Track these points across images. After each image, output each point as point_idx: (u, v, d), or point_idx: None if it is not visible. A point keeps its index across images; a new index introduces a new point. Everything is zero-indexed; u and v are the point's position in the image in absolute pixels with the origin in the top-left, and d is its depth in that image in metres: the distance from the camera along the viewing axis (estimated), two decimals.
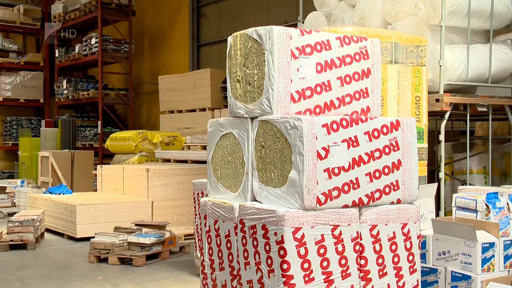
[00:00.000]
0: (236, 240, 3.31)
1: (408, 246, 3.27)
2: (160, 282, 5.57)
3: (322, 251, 2.98)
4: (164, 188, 8.43)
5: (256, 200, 3.37)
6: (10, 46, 16.57)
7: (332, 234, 3.03)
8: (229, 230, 3.39)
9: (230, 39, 3.64)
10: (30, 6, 16.12)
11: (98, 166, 10.18)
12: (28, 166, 14.00)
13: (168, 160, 10.09)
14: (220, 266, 3.45)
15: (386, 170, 3.25)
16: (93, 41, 13.43)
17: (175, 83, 11.58)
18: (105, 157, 12.83)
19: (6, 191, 11.27)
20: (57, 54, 15.07)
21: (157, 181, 8.40)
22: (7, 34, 17.28)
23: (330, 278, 3.00)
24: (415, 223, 3.31)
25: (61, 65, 15.01)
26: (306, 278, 2.93)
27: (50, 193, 9.46)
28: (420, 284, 3.33)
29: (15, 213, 8.94)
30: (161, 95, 11.98)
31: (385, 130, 3.27)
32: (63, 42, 15.74)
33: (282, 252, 2.91)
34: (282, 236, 2.92)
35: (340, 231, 3.05)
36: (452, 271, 3.91)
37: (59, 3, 14.76)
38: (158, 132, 10.86)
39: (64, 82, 14.64)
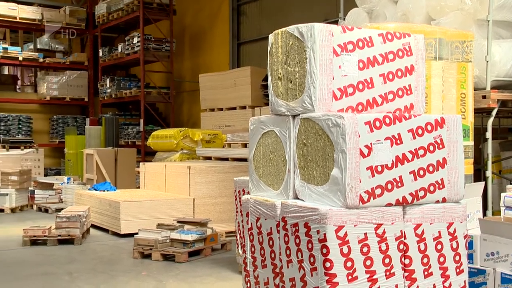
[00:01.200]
0: (278, 237, 3.32)
1: (455, 246, 3.20)
2: (202, 279, 5.63)
3: (365, 249, 2.95)
4: (206, 186, 8.51)
5: (298, 198, 3.36)
6: (56, 46, 17.04)
7: (376, 233, 3.00)
8: (271, 228, 3.40)
9: (271, 37, 3.64)
10: (76, 7, 16.52)
11: (141, 163, 10.35)
12: (74, 163, 14.36)
13: (209, 158, 10.18)
14: (262, 264, 3.46)
15: (431, 168, 3.19)
16: (135, 40, 13.66)
17: (216, 81, 11.66)
18: (147, 154, 13.03)
19: (54, 187, 11.60)
20: (100, 54, 15.40)
21: (198, 178, 8.48)
22: (54, 35, 17.75)
23: (374, 277, 2.97)
24: (461, 222, 3.25)
25: (105, 64, 15.33)
26: (349, 277, 2.91)
27: (95, 189, 9.69)
28: (467, 285, 3.26)
29: (62, 209, 9.19)
30: (202, 93, 12.09)
31: (429, 127, 3.21)
32: (106, 42, 16.07)
33: (324, 250, 2.90)
34: (324, 234, 2.91)
35: (384, 229, 3.02)
36: (501, 273, 3.81)
37: (103, 4, 15.07)
38: (199, 130, 10.96)
39: (108, 81, 14.95)
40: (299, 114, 3.36)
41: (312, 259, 2.98)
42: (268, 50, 3.66)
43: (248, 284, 3.61)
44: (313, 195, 3.21)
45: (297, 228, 3.14)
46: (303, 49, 3.30)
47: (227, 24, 13.16)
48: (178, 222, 7.15)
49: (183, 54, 14.70)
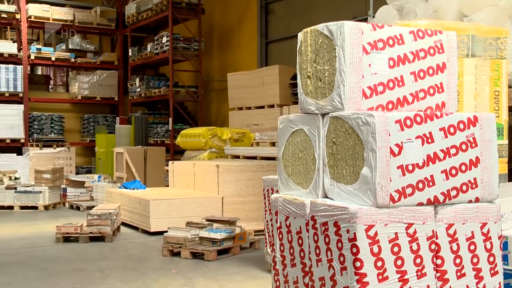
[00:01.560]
0: (308, 236, 3.31)
1: (488, 246, 3.15)
2: (231, 277, 5.65)
3: (396, 249, 2.92)
4: (234, 184, 8.54)
5: (327, 197, 3.35)
6: (87, 46, 17.30)
7: (407, 233, 2.96)
8: (300, 227, 3.39)
9: (300, 35, 3.63)
10: (106, 8, 16.75)
11: (170, 162, 10.44)
12: (104, 162, 14.57)
13: (237, 157, 10.21)
14: (292, 263, 3.45)
15: (463, 168, 3.14)
16: (164, 39, 13.78)
17: (244, 80, 11.68)
18: (176, 153, 13.13)
19: (85, 185, 11.79)
20: (130, 53, 15.58)
21: (227, 177, 8.52)
22: (85, 35, 18.04)
23: (405, 277, 2.94)
24: (495, 222, 3.18)
25: (134, 64, 15.50)
26: (380, 277, 2.88)
27: (125, 188, 9.81)
28: (502, 287, 3.20)
29: (93, 206, 9.34)
30: (230, 92, 12.13)
31: (461, 126, 3.16)
32: (136, 42, 16.25)
33: (354, 250, 2.88)
34: (354, 233, 2.89)
35: (415, 229, 2.98)
36: None
37: (132, 4, 15.24)
38: (227, 129, 11.00)
39: (137, 80, 15.11)
40: (328, 113, 3.34)
41: (342, 258, 2.97)
42: (297, 49, 3.65)
43: (277, 283, 3.61)
44: (342, 194, 3.19)
45: (326, 227, 3.13)
46: (332, 47, 3.28)
47: (255, 23, 13.16)
48: (207, 220, 7.19)
49: (211, 53, 14.77)
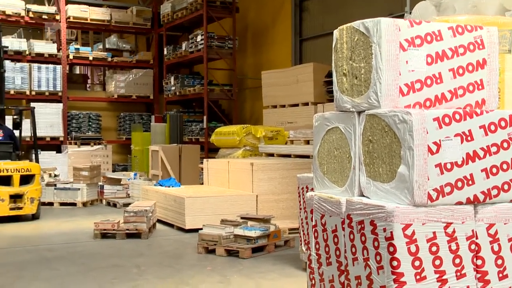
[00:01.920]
0: (343, 235, 3.29)
1: None
2: (266, 275, 5.66)
3: (434, 249, 2.88)
4: (268, 182, 8.54)
5: (363, 195, 3.32)
6: (124, 45, 17.57)
7: (445, 232, 2.91)
8: (336, 225, 3.38)
9: (336, 33, 3.60)
10: (142, 7, 16.96)
11: (204, 160, 10.52)
12: (140, 160, 14.78)
13: (272, 155, 10.21)
14: (327, 261, 3.44)
15: (505, 166, 3.07)
16: (199, 38, 13.88)
17: (278, 78, 11.67)
18: (211, 151, 13.22)
19: (121, 183, 11.98)
20: (165, 52, 15.74)
21: (261, 175, 8.53)
22: (121, 35, 18.32)
23: (444, 277, 2.89)
24: None
25: (169, 63, 15.66)
26: (418, 277, 2.84)
27: (161, 185, 9.93)
28: None
29: (129, 203, 9.48)
30: (264, 90, 12.13)
31: (503, 123, 3.09)
32: (171, 40, 16.41)
33: (391, 249, 2.85)
34: (391, 232, 2.86)
35: (454, 229, 2.93)
36: None
37: (168, 3, 15.40)
38: (261, 127, 11.01)
39: (172, 78, 15.27)
40: (364, 111, 3.31)
41: (378, 258, 2.94)
42: (333, 46, 3.63)
43: (313, 281, 3.60)
44: (379, 192, 3.16)
45: (362, 225, 3.10)
46: (368, 44, 3.25)
47: (289, 21, 13.13)
48: (242, 218, 7.22)
49: (245, 51, 14.81)
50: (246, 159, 9.94)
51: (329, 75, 10.32)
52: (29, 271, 5.92)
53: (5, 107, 10.51)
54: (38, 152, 10.76)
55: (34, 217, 9.35)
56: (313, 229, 3.63)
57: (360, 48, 3.34)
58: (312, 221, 3.67)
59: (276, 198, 8.55)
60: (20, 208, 9.09)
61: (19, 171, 9.17)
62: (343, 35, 3.50)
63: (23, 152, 10.30)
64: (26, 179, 9.24)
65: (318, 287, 3.51)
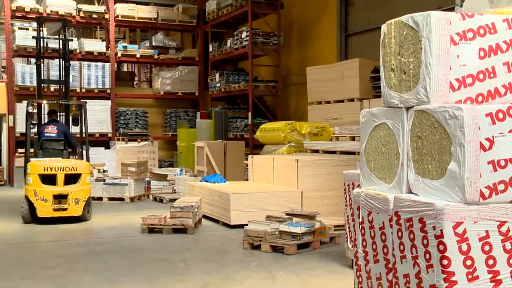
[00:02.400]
0: (391, 232, 3.25)
1: None
2: (311, 271, 5.65)
3: (487, 248, 2.81)
4: (313, 179, 8.51)
5: (411, 192, 3.27)
6: (170, 43, 17.80)
7: (499, 231, 2.84)
8: (383, 222, 3.33)
9: (384, 27, 3.55)
10: (188, 5, 17.14)
11: (249, 156, 10.56)
12: (186, 156, 14.96)
13: (317, 151, 10.15)
14: (375, 259, 3.40)
15: None
16: (244, 35, 13.92)
17: (323, 74, 11.59)
18: (255, 147, 13.26)
19: (168, 178, 12.17)
20: (210, 49, 15.87)
21: (306, 171, 8.50)
22: (167, 32, 18.57)
23: (497, 278, 2.81)
24: None
25: (214, 59, 15.78)
26: (469, 276, 2.78)
27: (206, 181, 10.02)
28: None
29: (175, 199, 9.61)
30: (309, 86, 12.07)
31: None
32: (216, 37, 16.53)
33: (441, 247, 2.79)
34: (441, 230, 2.80)
35: (508, 228, 2.85)
36: None
37: (213, 0, 15.50)
38: (306, 123, 10.96)
39: (217, 75, 15.38)
40: (413, 106, 3.26)
41: (427, 256, 2.89)
42: (381, 41, 3.58)
43: (360, 278, 3.57)
44: (428, 189, 3.11)
45: (411, 223, 3.05)
46: (418, 38, 3.19)
47: (335, 16, 13.01)
48: (287, 214, 7.22)
49: (290, 47, 14.76)
50: (291, 155, 9.92)
51: (376, 70, 10.18)
52: (80, 263, 6.10)
53: (56, 102, 10.19)
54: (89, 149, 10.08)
55: (82, 219, 8.82)
56: (360, 226, 3.60)
57: (409, 42, 3.28)
58: (358, 218, 3.64)
59: (321, 194, 8.51)
60: (65, 209, 8.62)
61: (63, 170, 8.68)
62: (391, 30, 3.44)
63: (79, 150, 9.75)
64: (73, 179, 8.79)
65: (365, 285, 3.48)
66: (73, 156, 9.55)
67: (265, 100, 15.16)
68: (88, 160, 9.40)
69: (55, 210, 8.55)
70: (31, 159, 8.91)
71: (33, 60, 14.85)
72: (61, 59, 10.29)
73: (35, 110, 9.36)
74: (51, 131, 9.33)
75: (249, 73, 13.93)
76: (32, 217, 8.58)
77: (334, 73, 11.25)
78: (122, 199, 11.31)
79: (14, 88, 14.65)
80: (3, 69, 16.55)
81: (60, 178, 8.62)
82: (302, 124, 10.78)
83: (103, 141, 15.57)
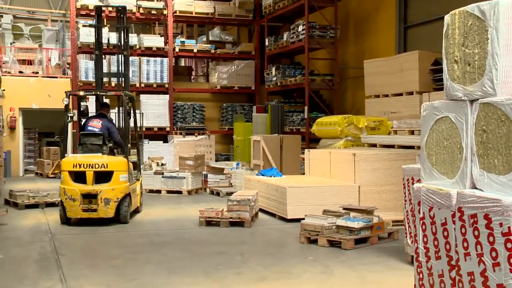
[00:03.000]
0: (454, 229, 3.16)
1: None
2: (369, 267, 5.58)
3: None
4: (371, 173, 8.39)
5: (475, 188, 3.17)
6: (226, 37, 17.95)
7: None
8: (445, 218, 3.25)
9: (447, 18, 3.45)
10: None
11: (306, 150, 10.52)
12: (242, 149, 15.06)
13: (374, 145, 10.00)
14: (436, 255, 3.32)
15: None
16: (300, 28, 13.86)
17: (381, 67, 11.39)
18: (311, 141, 13.19)
19: (224, 172, 12.30)
20: (266, 43, 15.89)
21: (364, 165, 8.39)
22: (224, 27, 18.72)
23: None
24: None
25: (270, 53, 15.79)
26: None
27: (262, 175, 10.07)
28: None
29: (232, 192, 9.70)
30: (367, 80, 11.89)
31: None
32: (272, 31, 16.53)
33: (509, 245, 2.69)
34: (509, 227, 2.70)
35: None
36: None
37: None
38: (363, 117, 10.81)
39: (273, 69, 15.39)
40: (478, 99, 3.15)
41: (494, 254, 2.79)
42: (443, 32, 3.48)
43: (421, 275, 3.50)
44: (493, 185, 3.00)
45: (475, 219, 2.96)
46: (484, 29, 3.08)
47: (393, 7, 12.74)
48: (344, 209, 7.16)
49: (347, 40, 14.58)
50: (348, 149, 9.82)
51: (436, 63, 9.91)
52: (141, 254, 6.26)
53: (93, 93, 9.07)
54: (139, 143, 9.37)
55: (121, 221, 8.03)
56: (421, 222, 3.52)
57: (474, 33, 3.17)
58: (419, 213, 3.56)
59: (379, 189, 8.38)
60: (94, 210, 7.81)
61: (92, 167, 7.88)
62: (455, 20, 3.34)
63: (129, 145, 8.80)
64: (107, 177, 7.97)
65: (426, 282, 3.40)
66: (118, 153, 8.76)
67: (321, 93, 15.06)
68: (126, 157, 8.47)
69: (84, 210, 7.84)
70: (69, 154, 8.41)
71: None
72: (120, 50, 9.60)
73: (67, 102, 8.42)
74: (95, 125, 8.62)
75: (305, 66, 13.87)
76: (66, 217, 8.00)
77: (392, 66, 11.03)
78: (180, 192, 11.52)
79: (78, 83, 15.16)
80: (68, 66, 17.13)
81: (90, 176, 7.88)
82: (359, 118, 10.64)
83: (161, 135, 15.90)
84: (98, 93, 9.11)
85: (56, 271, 5.53)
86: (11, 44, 18.76)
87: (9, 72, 16.58)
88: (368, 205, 7.69)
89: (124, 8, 9.89)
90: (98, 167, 7.93)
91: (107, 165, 7.97)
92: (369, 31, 13.74)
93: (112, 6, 12.37)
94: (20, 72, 16.97)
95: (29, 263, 5.89)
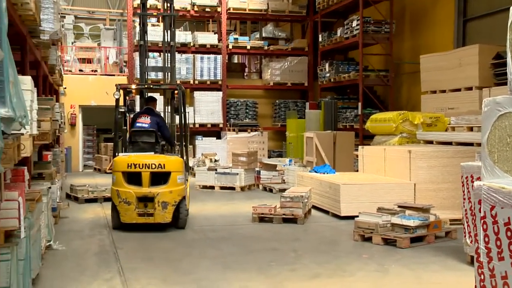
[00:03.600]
0: None
1: None
2: (426, 266, 5.46)
3: None
4: (427, 171, 8.20)
5: None
6: (279, 34, 17.95)
7: None
8: (509, 218, 3.13)
9: None
10: None
11: (360, 147, 10.40)
12: (294, 146, 15.03)
13: (430, 142, 9.77)
14: (499, 256, 3.21)
15: None
16: (354, 23, 13.68)
17: (439, 62, 11.10)
18: (365, 138, 13.02)
19: (277, 168, 12.30)
20: (320, 39, 15.78)
21: (419, 163, 8.21)
22: (277, 23, 18.72)
23: None
24: None
25: (324, 49, 15.67)
26: None
27: (315, 172, 10.01)
28: None
29: (284, 189, 9.70)
30: (423, 75, 11.62)
31: None
32: (325, 27, 16.40)
33: None
34: None
35: None
36: None
37: None
38: (419, 113, 10.58)
39: (327, 65, 15.27)
40: None
41: None
42: (508, 24, 3.35)
43: (482, 276, 3.39)
44: None
45: None
46: None
47: (452, 0, 12.37)
48: (399, 206, 7.03)
49: (402, 34, 14.28)
50: (403, 146, 9.63)
51: (498, 56, 9.56)
52: (196, 249, 6.35)
53: (146, 86, 8.48)
54: (196, 139, 8.59)
55: (178, 226, 7.39)
56: (481, 221, 3.40)
57: None
58: (479, 212, 3.45)
59: (436, 187, 8.19)
60: (150, 215, 7.14)
61: (148, 167, 7.14)
62: None
63: (178, 144, 8.16)
64: (163, 178, 7.27)
65: (488, 283, 3.29)
66: (169, 152, 8.19)
67: (375, 89, 14.84)
68: (182, 156, 7.78)
69: (139, 215, 7.16)
70: (119, 154, 7.64)
71: (152, 54, 15.66)
72: (167, 44, 8.90)
73: (118, 96, 7.79)
74: (143, 121, 7.94)
75: (359, 62, 13.69)
76: (119, 221, 7.32)
77: (450, 60, 10.74)
78: (233, 188, 11.61)
79: (134, 81, 15.51)
80: (125, 64, 17.57)
81: (146, 177, 7.16)
82: (415, 114, 10.42)
83: (215, 132, 16.07)
84: (151, 86, 8.73)
85: (115, 263, 5.69)
86: (72, 43, 19.40)
87: (70, 71, 17.14)
88: (425, 203, 7.52)
89: None
90: (155, 167, 7.20)
91: (164, 165, 7.23)
92: (426, 25, 13.41)
93: None
94: (80, 70, 17.52)
95: (89, 255, 6.08)
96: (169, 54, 8.93)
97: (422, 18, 13.56)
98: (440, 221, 6.70)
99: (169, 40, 8.93)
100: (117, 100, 7.82)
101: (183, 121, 7.99)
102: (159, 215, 7.16)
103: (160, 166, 7.20)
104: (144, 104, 8.50)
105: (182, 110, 8.05)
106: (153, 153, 7.64)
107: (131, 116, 8.39)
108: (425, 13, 13.43)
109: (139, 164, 7.17)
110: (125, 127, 7.94)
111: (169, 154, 8.01)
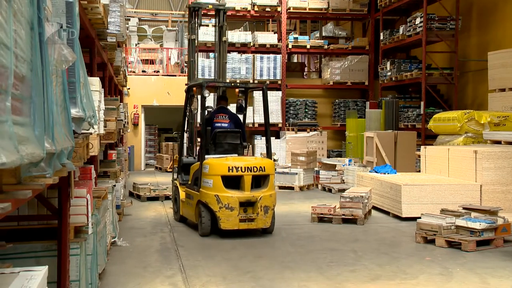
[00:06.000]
0: None
1: None
2: (494, 271, 5.25)
3: None
4: (495, 172, 7.90)
5: None
6: (339, 33, 17.75)
7: None
8: None
9: None
10: None
11: (422, 147, 10.13)
12: (354, 146, 14.83)
13: (498, 142, 9.40)
14: None
15: None
16: (418, 21, 13.34)
17: (508, 59, 10.66)
18: (428, 138, 12.68)
19: (336, 168, 12.18)
20: (381, 37, 15.49)
21: (486, 164, 7.92)
22: (337, 22, 18.52)
23: None
24: None
25: (385, 48, 15.37)
26: None
27: (376, 172, 9.84)
28: None
29: (344, 189, 9.59)
30: (491, 72, 11.19)
31: None
32: (387, 25, 16.09)
33: None
34: None
35: None
36: None
37: None
38: (486, 112, 10.21)
39: (388, 64, 14.97)
40: None
41: None
42: None
43: None
44: None
45: None
46: None
47: None
48: (464, 208, 6.80)
49: (469, 31, 13.80)
50: (468, 146, 9.31)
51: None
52: (255, 248, 6.37)
53: (232, 85, 8.55)
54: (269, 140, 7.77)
55: (267, 231, 7.12)
56: None
57: None
58: None
59: (504, 189, 7.88)
60: (252, 220, 6.82)
61: (250, 170, 6.83)
62: None
63: (249, 144, 7.94)
64: (260, 181, 7.05)
65: None
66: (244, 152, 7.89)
67: (438, 88, 14.42)
68: (270, 157, 7.62)
69: (241, 221, 6.81)
70: (208, 156, 7.25)
71: (212, 54, 15.84)
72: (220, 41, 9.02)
73: (209, 95, 7.63)
74: (222, 120, 7.77)
75: (422, 60, 13.34)
76: (211, 228, 6.98)
77: None
78: (291, 188, 11.59)
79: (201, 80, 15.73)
80: (185, 64, 17.88)
81: (248, 181, 6.83)
82: (481, 113, 10.06)
83: (274, 131, 16.07)
84: (239, 85, 8.42)
85: (176, 261, 5.79)
86: (135, 45, 19.93)
87: (133, 72, 17.61)
88: (491, 205, 7.25)
89: None
90: (257, 170, 6.88)
91: (264, 168, 6.95)
92: (494, 21, 12.91)
93: None
94: (143, 71, 17.96)
95: (152, 252, 6.22)
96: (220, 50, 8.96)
97: (491, 14, 13.06)
98: (510, 224, 6.43)
99: (219, 32, 9.10)
100: (204, 99, 7.47)
101: (265, 121, 7.79)
102: (261, 220, 6.88)
103: (261, 169, 6.93)
104: (218, 101, 8.27)
105: (265, 111, 7.82)
106: (236, 154, 7.47)
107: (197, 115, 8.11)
108: (495, 8, 12.93)
109: (241, 167, 6.83)
110: (209, 127, 7.56)
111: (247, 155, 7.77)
